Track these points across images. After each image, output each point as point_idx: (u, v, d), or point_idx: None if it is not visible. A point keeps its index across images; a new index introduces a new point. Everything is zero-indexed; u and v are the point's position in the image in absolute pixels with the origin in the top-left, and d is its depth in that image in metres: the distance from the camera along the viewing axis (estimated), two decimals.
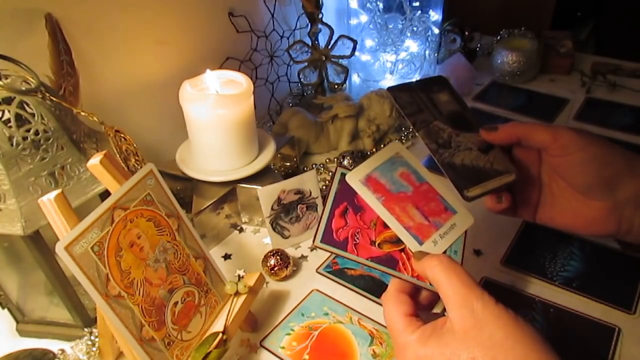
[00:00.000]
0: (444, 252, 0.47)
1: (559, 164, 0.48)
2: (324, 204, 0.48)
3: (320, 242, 0.47)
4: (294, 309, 0.60)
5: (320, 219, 0.48)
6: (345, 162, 0.82)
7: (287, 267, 0.63)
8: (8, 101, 0.48)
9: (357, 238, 0.47)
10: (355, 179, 0.48)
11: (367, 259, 0.46)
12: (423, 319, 0.42)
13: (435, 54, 1.07)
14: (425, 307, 0.46)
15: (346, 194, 0.49)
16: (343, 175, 0.49)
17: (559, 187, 0.50)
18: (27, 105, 0.49)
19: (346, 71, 0.98)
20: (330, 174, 0.82)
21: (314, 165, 0.85)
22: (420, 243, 0.46)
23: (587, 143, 0.46)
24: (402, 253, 0.47)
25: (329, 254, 0.67)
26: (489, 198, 0.49)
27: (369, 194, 0.47)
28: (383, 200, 0.47)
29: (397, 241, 0.47)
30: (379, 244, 0.47)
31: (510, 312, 0.38)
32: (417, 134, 0.49)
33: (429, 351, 0.38)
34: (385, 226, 0.48)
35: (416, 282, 0.45)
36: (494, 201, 0.49)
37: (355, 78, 1.05)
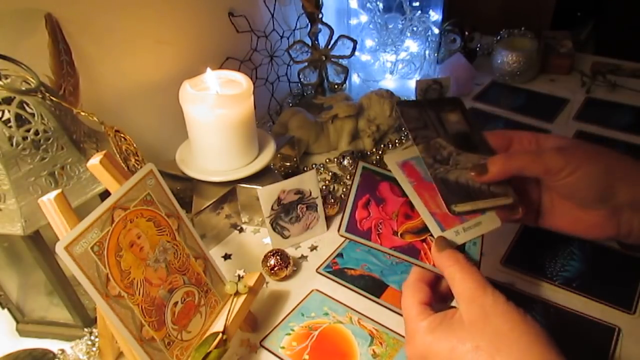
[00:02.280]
0: (464, 244, 0.48)
1: (554, 186, 0.49)
2: (347, 196, 0.50)
3: (345, 231, 0.48)
4: (294, 309, 0.60)
5: (344, 210, 0.49)
6: (345, 162, 0.82)
7: (287, 267, 0.63)
8: (8, 101, 0.48)
9: (380, 228, 0.48)
10: (392, 160, 0.50)
11: (390, 249, 0.47)
12: (436, 310, 0.43)
13: (435, 54, 1.07)
14: (444, 297, 0.47)
15: (368, 186, 0.50)
16: (364, 168, 0.51)
17: (558, 199, 0.51)
18: (27, 105, 0.49)
19: (346, 71, 0.98)
20: (331, 174, 0.82)
21: (314, 165, 0.85)
22: (442, 230, 0.47)
23: (578, 164, 0.46)
24: (424, 243, 0.48)
25: (329, 253, 0.67)
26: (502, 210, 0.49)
27: (402, 176, 0.49)
28: (414, 184, 0.49)
29: (419, 232, 0.48)
30: (401, 234, 0.48)
31: (519, 310, 0.39)
32: (415, 147, 0.49)
33: (435, 338, 0.40)
34: (407, 217, 0.49)
35: (437, 271, 0.46)
36: (507, 213, 0.49)
37: (355, 78, 1.05)
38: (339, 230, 0.48)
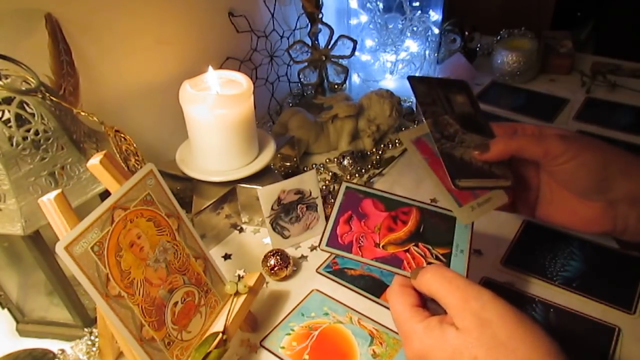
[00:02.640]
0: (450, 252, 0.48)
1: (552, 172, 0.49)
2: (330, 213, 0.51)
3: (326, 245, 0.48)
4: (294, 309, 0.60)
5: (326, 226, 0.50)
6: (345, 162, 0.82)
7: (287, 267, 0.63)
8: (8, 101, 0.48)
9: (362, 241, 0.49)
10: (407, 137, 0.51)
11: (371, 260, 0.47)
12: (432, 309, 0.42)
13: (435, 54, 1.07)
14: (432, 301, 0.47)
15: (350, 204, 0.51)
16: (347, 188, 0.53)
17: (557, 188, 0.51)
18: (27, 105, 0.49)
19: (346, 71, 0.98)
20: (331, 174, 0.82)
21: (314, 165, 0.85)
22: (460, 205, 0.48)
23: (577, 152, 0.47)
24: (407, 253, 0.48)
25: (329, 253, 0.67)
26: None
27: (417, 154, 0.50)
28: (429, 161, 0.50)
29: (402, 243, 0.48)
30: (383, 246, 0.48)
31: (513, 309, 0.38)
32: (425, 121, 0.50)
33: (432, 342, 0.39)
34: (390, 230, 0.49)
35: None
36: None
37: (355, 78, 1.05)
38: (319, 246, 0.49)
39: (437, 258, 0.48)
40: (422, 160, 0.50)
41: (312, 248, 0.69)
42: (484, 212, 0.49)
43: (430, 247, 0.48)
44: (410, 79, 0.53)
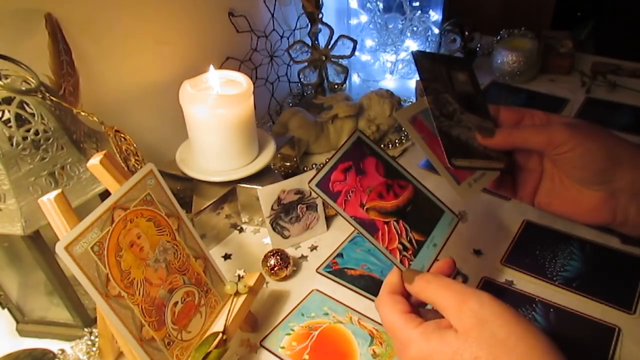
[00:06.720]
0: (425, 241, 0.48)
1: (556, 160, 0.49)
2: (331, 156, 0.48)
3: (315, 185, 0.47)
4: (294, 309, 0.60)
5: (323, 167, 0.48)
6: None
7: (287, 267, 0.63)
8: (8, 101, 0.48)
9: (350, 196, 0.47)
10: (404, 116, 0.50)
11: (351, 217, 0.46)
12: (423, 315, 0.42)
13: None
14: (421, 304, 0.46)
15: (355, 155, 0.49)
16: (359, 138, 0.50)
17: (559, 175, 0.51)
18: (27, 105, 0.49)
19: (346, 71, 0.98)
20: None
21: (314, 165, 0.85)
22: (458, 183, 0.49)
23: (581, 139, 0.47)
24: (385, 225, 0.47)
25: (329, 253, 0.67)
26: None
27: (414, 133, 0.50)
28: (427, 140, 0.49)
29: (385, 213, 0.48)
30: (367, 209, 0.47)
31: (510, 309, 0.38)
32: (425, 97, 0.49)
33: (431, 347, 0.38)
34: (380, 196, 0.49)
35: (389, 256, 0.46)
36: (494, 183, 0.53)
37: (355, 78, 1.05)
38: (309, 182, 0.47)
39: (410, 241, 0.47)
40: (420, 139, 0.49)
41: (312, 248, 0.69)
42: (480, 186, 0.50)
43: (408, 229, 0.48)
44: (415, 54, 0.52)
